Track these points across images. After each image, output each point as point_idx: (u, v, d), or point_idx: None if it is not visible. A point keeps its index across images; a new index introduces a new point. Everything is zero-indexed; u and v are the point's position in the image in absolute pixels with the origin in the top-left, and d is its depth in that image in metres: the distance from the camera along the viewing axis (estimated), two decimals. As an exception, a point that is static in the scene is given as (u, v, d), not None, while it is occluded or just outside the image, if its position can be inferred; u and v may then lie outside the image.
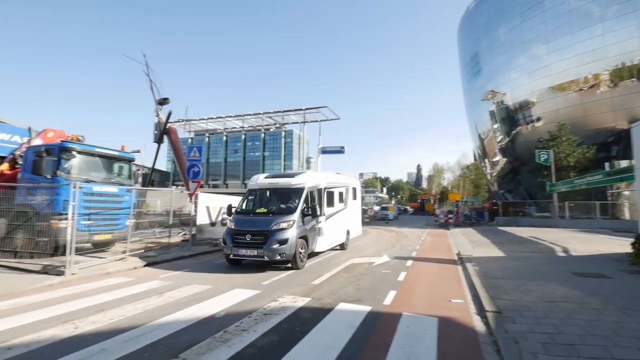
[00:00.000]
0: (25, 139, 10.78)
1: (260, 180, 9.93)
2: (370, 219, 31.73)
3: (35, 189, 8.90)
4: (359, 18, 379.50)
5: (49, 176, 8.85)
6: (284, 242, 7.87)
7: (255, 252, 7.91)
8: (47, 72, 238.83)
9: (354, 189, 13.76)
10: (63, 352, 3.55)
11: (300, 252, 8.31)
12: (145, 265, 8.72)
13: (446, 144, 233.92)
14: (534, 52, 32.24)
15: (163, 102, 19.73)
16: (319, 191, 9.77)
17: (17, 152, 10.27)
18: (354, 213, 13.66)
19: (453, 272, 8.36)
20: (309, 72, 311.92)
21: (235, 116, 65.31)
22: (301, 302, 5.55)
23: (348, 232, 12.40)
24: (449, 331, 4.37)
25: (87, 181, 9.14)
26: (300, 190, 9.08)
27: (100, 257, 8.94)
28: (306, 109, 49.75)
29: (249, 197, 9.73)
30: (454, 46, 51.91)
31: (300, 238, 8.30)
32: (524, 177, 33.24)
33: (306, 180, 9.36)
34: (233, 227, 8.47)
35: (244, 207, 9.44)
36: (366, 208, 34.70)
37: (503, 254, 10.64)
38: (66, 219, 7.76)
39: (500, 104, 36.93)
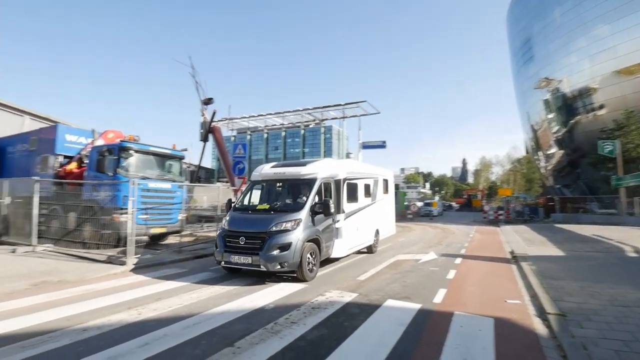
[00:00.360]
0: (89, 140, 11.69)
1: (265, 170, 8.39)
2: (414, 215, 30.92)
3: (99, 185, 9.67)
4: (401, 9, 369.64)
5: (110, 174, 9.57)
6: (285, 247, 6.30)
7: (249, 260, 6.35)
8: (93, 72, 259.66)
9: (385, 181, 12.04)
10: (130, 336, 3.83)
11: (309, 260, 6.71)
12: (196, 257, 9.16)
13: (494, 137, 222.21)
14: (595, 33, 29.45)
15: (208, 102, 20.48)
16: (337, 183, 8.08)
17: (83, 152, 11.19)
18: (385, 209, 11.85)
19: (507, 271, 7.89)
20: (349, 67, 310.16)
21: (275, 113, 66.53)
22: (348, 297, 5.53)
23: (377, 232, 10.68)
24: (506, 333, 4.13)
25: (144, 178, 9.76)
26: (312, 181, 7.48)
27: (156, 249, 9.54)
28: (345, 104, 49.30)
29: (251, 191, 8.29)
30: (502, 33, 48.90)
31: (309, 241, 6.73)
32: (584, 170, 30.62)
33: (319, 169, 7.73)
34: (226, 227, 7.02)
35: (244, 202, 7.95)
36: (409, 204, 33.89)
37: (563, 253, 9.87)
38: (126, 213, 8.37)
39: (556, 91, 34.26)
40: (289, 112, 64.25)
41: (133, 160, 9.95)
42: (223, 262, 6.67)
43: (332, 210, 7.42)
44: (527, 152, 57.57)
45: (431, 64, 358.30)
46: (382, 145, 34.22)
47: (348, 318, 4.55)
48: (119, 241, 8.94)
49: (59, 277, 6.47)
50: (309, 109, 60.65)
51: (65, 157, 11.22)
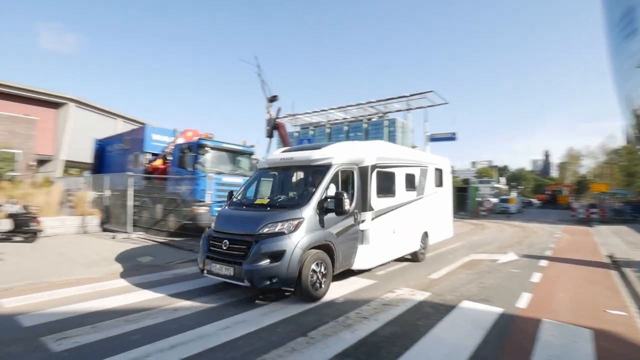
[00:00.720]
0: (171, 139, 12.87)
1: (273, 156, 6.84)
2: (488, 212, 28.82)
3: (181, 180, 10.60)
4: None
5: (190, 169, 10.42)
6: (277, 255, 4.68)
7: (230, 271, 4.81)
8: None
9: (439, 171, 9.73)
10: (213, 318, 4.15)
11: (314, 273, 4.97)
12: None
13: (584, 125, 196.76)
14: None
15: (273, 99, 21.29)
16: (363, 171, 6.27)
17: (167, 150, 12.37)
18: (437, 206, 9.43)
19: (604, 278, 6.92)
20: (417, 56, 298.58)
21: (337, 108, 66.76)
22: (420, 295, 5.32)
23: (425, 235, 8.49)
24: (609, 347, 3.62)
25: (218, 173, 10.45)
26: (324, 169, 5.73)
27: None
28: (410, 95, 47.29)
29: (256, 182, 6.70)
30: (595, 5, 42.68)
31: (314, 248, 5.07)
32: None
33: (336, 153, 5.95)
34: (212, 226, 5.60)
35: (245, 195, 6.43)
36: (482, 200, 31.63)
37: (679, 259, 8.36)
38: (204, 205, 9.05)
39: (668, 69, 29.02)
40: (351, 105, 63.74)
41: (209, 157, 10.69)
42: (205, 271, 5.20)
43: (347, 207, 5.41)
44: (628, 142, 49.89)
45: (508, 44, 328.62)
46: (451, 138, 31.87)
47: (421, 317, 4.37)
48: (199, 231, 9.74)
49: (150, 262, 7.26)
50: (372, 102, 59.62)
51: (152, 154, 12.51)
